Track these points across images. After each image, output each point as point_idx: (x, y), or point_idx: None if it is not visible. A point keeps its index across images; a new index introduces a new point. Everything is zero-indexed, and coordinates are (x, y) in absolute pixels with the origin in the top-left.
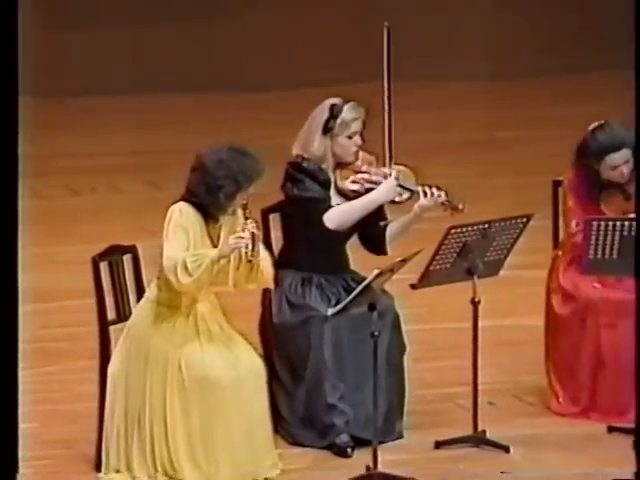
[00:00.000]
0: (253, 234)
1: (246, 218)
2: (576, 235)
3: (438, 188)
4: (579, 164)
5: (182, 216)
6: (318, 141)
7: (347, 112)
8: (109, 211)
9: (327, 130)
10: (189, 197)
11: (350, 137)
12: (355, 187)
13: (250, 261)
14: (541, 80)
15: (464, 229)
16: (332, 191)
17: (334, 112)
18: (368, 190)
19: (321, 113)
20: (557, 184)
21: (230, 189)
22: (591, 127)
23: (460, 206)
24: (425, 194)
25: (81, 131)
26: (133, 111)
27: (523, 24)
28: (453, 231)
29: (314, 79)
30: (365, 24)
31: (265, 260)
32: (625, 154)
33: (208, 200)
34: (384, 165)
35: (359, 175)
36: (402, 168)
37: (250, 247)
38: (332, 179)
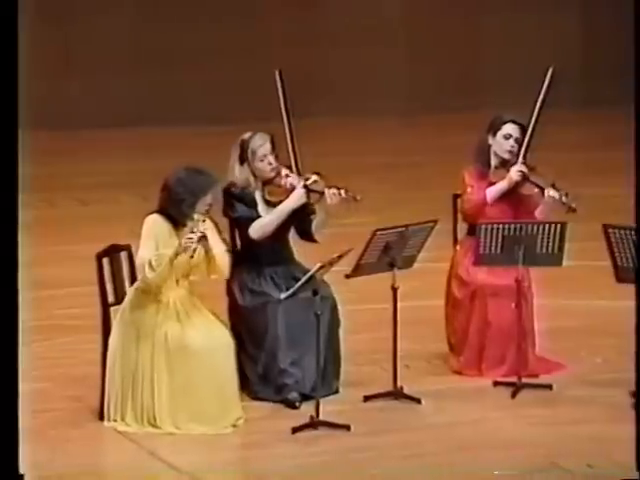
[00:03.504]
0: (201, 236)
1: (203, 221)
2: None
3: (338, 188)
4: (479, 143)
5: (153, 225)
6: (238, 171)
7: (253, 142)
8: (110, 218)
9: (243, 160)
10: (160, 210)
11: (262, 160)
12: (275, 199)
13: (192, 257)
14: (443, 116)
15: (386, 231)
16: (261, 206)
17: (244, 145)
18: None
19: (236, 148)
20: (456, 197)
21: (190, 201)
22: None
23: (358, 197)
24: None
25: (88, 155)
26: (129, 140)
27: (430, 70)
28: (378, 233)
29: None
30: (303, 69)
31: (221, 255)
32: (515, 129)
33: (174, 211)
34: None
35: (279, 188)
36: (314, 177)
37: (195, 246)
38: (260, 196)
